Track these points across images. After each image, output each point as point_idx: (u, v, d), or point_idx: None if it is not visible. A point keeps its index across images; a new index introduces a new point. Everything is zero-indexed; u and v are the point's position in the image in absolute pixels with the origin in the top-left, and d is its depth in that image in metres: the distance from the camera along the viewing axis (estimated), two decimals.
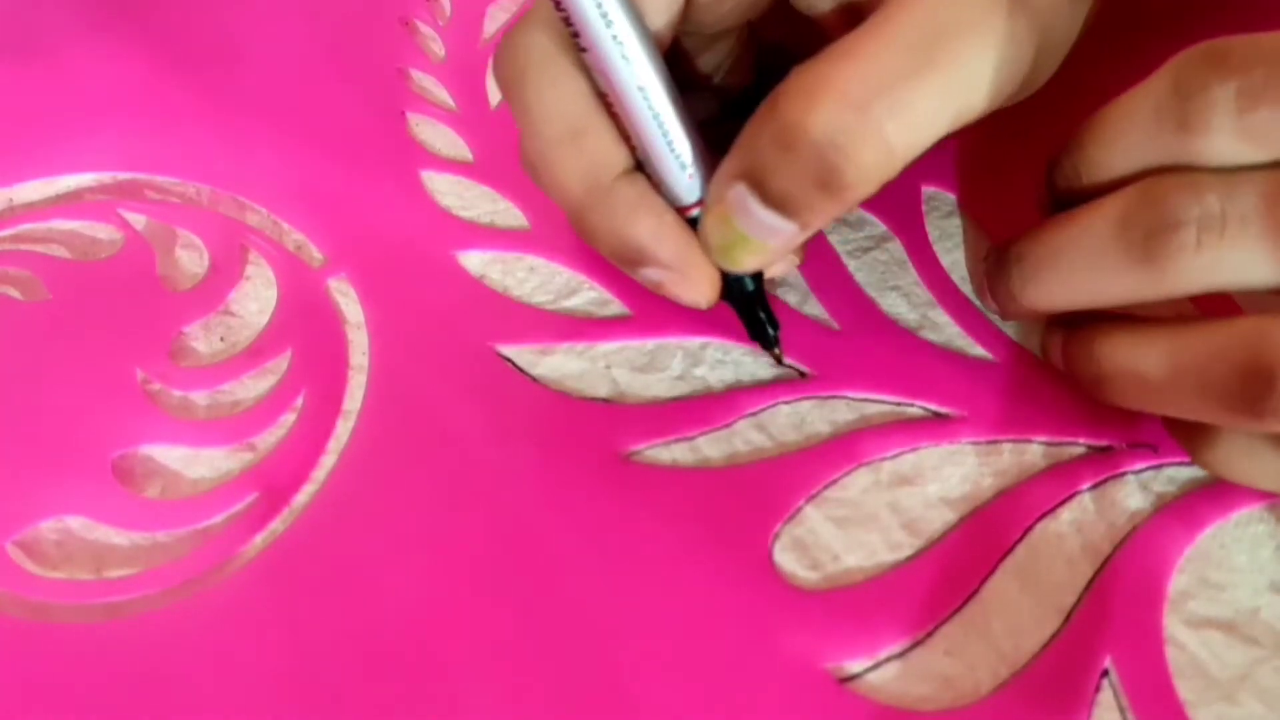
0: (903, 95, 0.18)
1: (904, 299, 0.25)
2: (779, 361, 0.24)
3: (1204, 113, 0.18)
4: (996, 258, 0.22)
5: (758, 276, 0.23)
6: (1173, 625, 0.20)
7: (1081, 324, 0.22)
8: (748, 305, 0.23)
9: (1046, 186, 0.22)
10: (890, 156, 0.18)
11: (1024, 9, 0.19)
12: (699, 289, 0.22)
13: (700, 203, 0.21)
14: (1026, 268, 0.21)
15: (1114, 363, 0.20)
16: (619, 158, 0.21)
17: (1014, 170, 0.25)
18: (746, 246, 0.21)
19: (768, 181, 0.19)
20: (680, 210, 0.21)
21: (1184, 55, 0.18)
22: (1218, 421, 0.19)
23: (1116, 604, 0.20)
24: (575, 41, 0.20)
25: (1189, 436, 0.21)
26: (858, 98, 0.18)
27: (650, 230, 0.21)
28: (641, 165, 0.21)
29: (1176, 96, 0.18)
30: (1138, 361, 0.20)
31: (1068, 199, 0.21)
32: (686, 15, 0.21)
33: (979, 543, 0.21)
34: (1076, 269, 0.20)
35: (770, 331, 0.23)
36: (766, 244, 0.20)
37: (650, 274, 0.22)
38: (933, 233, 0.27)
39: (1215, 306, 0.20)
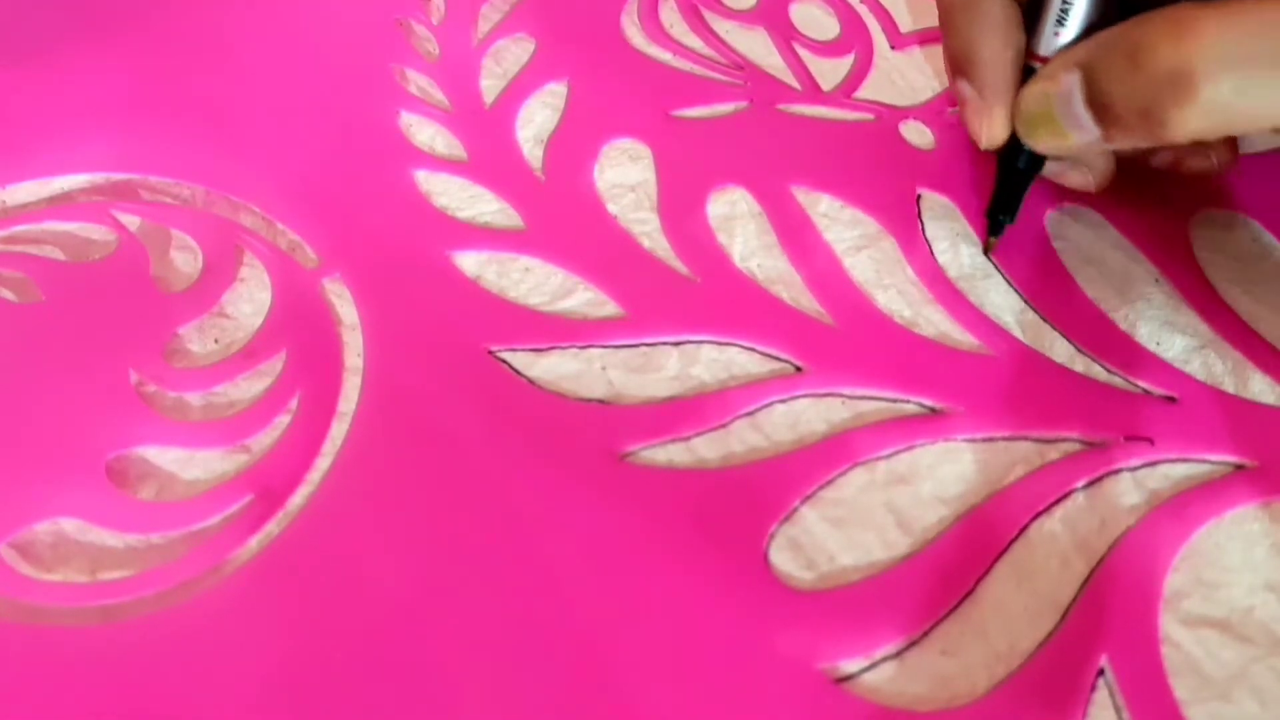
0: (1256, 78, 0.19)
1: (899, 296, 0.25)
2: (985, 250, 0.26)
3: None
4: None
5: (1039, 164, 0.25)
6: (1168, 624, 0.20)
7: None
8: (1011, 181, 0.25)
9: None
10: (1210, 121, 0.19)
11: None
12: (990, 127, 0.24)
13: (1045, 60, 0.23)
14: None
15: None
16: None
17: None
18: (1049, 126, 0.23)
19: (1100, 84, 0.21)
20: (1030, 55, 0.23)
21: None
22: None
23: (1112, 603, 0.20)
24: None
25: None
26: (1218, 59, 0.19)
27: (992, 53, 0.23)
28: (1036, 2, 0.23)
29: None
30: None
31: None
32: None
33: (974, 542, 0.21)
34: None
35: (1002, 218, 0.25)
36: (1067, 134, 0.22)
37: (965, 89, 0.24)
38: (927, 233, 0.27)
39: None
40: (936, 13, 0.26)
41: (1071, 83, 0.21)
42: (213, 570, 0.21)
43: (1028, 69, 0.24)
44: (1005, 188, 0.25)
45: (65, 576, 0.21)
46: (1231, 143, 0.25)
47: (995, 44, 0.23)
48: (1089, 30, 0.22)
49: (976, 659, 0.20)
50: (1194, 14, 0.19)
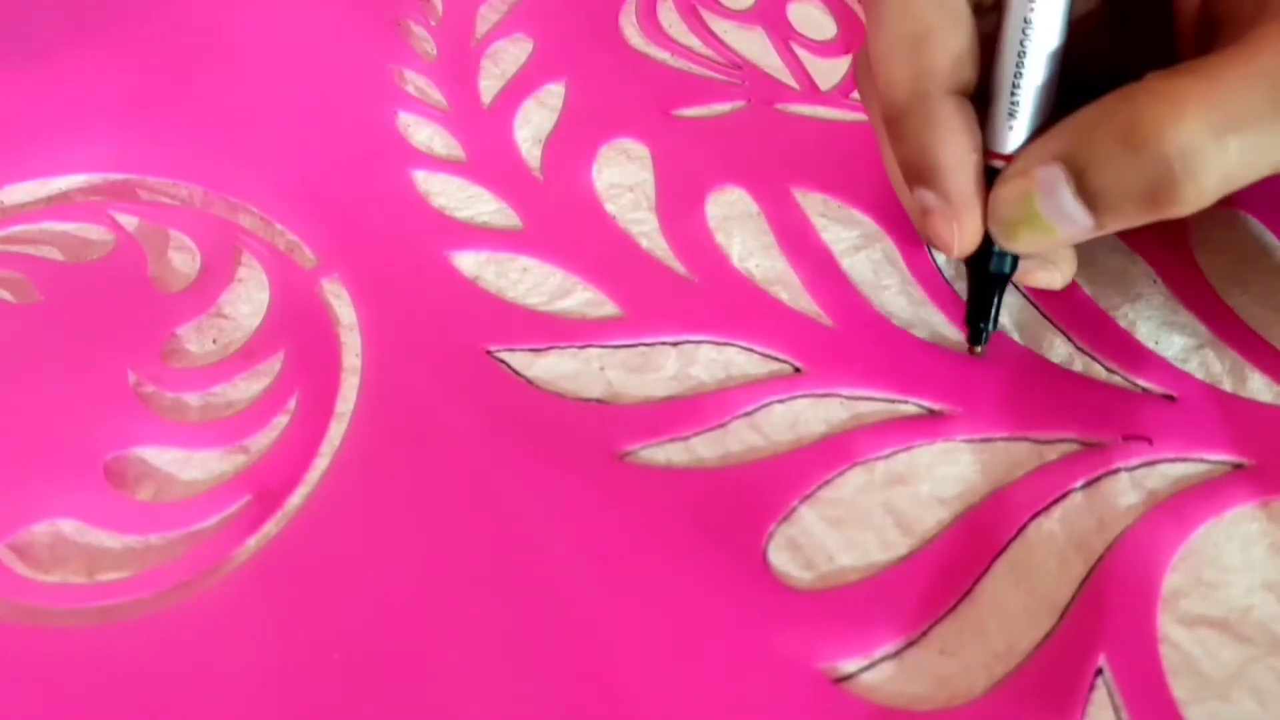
0: (1256, 134, 0.18)
1: (898, 296, 0.25)
2: (972, 354, 0.24)
3: None
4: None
5: (1014, 265, 0.23)
6: (1166, 624, 0.20)
7: None
8: (988, 286, 0.23)
9: None
10: (1223, 187, 0.19)
11: None
12: (962, 237, 0.22)
13: (1006, 157, 0.21)
14: None
15: None
16: (954, 75, 0.21)
17: None
18: (1034, 226, 0.21)
19: (1092, 173, 0.20)
20: (987, 154, 0.22)
21: None
22: None
23: (1110, 602, 0.20)
24: None
25: None
26: (1218, 124, 0.18)
27: (955, 158, 0.21)
28: (980, 95, 0.22)
29: None
30: None
31: None
32: None
33: (973, 541, 0.21)
34: None
35: (985, 326, 0.23)
36: (1055, 231, 0.21)
37: (927, 198, 0.22)
38: None
39: None
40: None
41: (1054, 176, 0.20)
42: (211, 571, 0.21)
43: (989, 170, 0.22)
44: (982, 295, 0.23)
45: (63, 577, 0.21)
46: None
47: (957, 147, 0.21)
48: (1044, 121, 0.21)
49: (975, 659, 0.20)
50: (1179, 86, 0.19)
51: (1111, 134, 0.19)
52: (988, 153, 0.22)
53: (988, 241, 0.22)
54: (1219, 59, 0.19)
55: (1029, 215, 0.21)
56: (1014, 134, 0.21)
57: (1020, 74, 0.21)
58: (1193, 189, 0.19)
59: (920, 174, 0.22)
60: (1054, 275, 0.24)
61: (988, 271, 0.23)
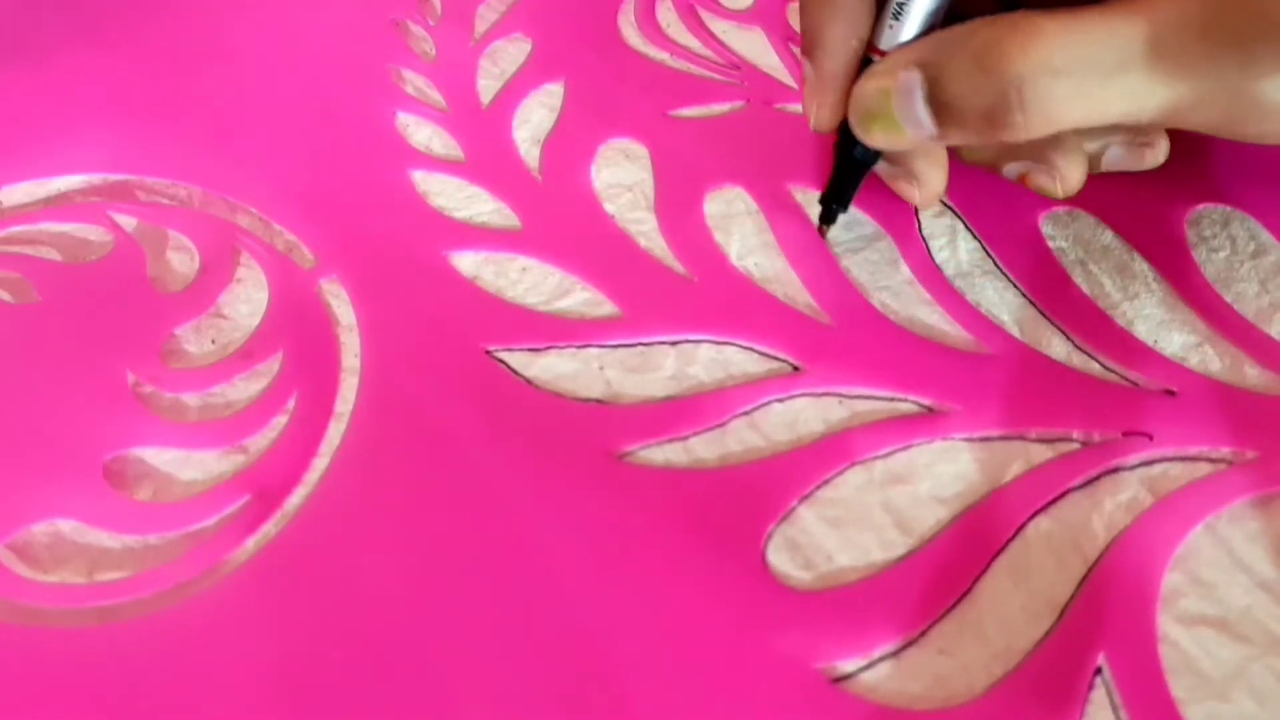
0: (1084, 81, 0.20)
1: (896, 294, 0.25)
2: (820, 234, 0.27)
3: None
4: None
5: (875, 156, 0.25)
6: (1165, 623, 0.20)
7: None
8: (847, 171, 0.25)
9: None
10: (1050, 124, 0.20)
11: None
12: (819, 112, 0.24)
13: (883, 53, 0.23)
14: None
15: None
16: None
17: None
18: (886, 124, 0.22)
19: (943, 84, 0.21)
20: (870, 47, 0.23)
21: None
22: None
23: (1109, 602, 0.20)
24: None
25: None
26: (1056, 65, 0.20)
27: (836, 37, 0.23)
28: None
29: None
30: None
31: None
32: None
33: (972, 541, 0.21)
34: None
35: (837, 208, 0.26)
36: (903, 131, 0.22)
37: (807, 69, 0.24)
38: (924, 230, 0.27)
39: None
40: None
41: (912, 80, 0.21)
42: (210, 571, 0.21)
43: (866, 60, 0.23)
44: (840, 176, 0.25)
45: (63, 578, 0.21)
46: (1080, 167, 0.25)
47: (840, 30, 0.23)
48: (928, 28, 0.22)
49: (974, 658, 0.20)
50: (1039, 24, 0.20)
51: (968, 53, 0.21)
52: (870, 46, 0.23)
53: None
54: (1089, 9, 0.20)
55: (884, 112, 0.22)
56: (895, 34, 0.22)
57: None
58: (1020, 119, 0.20)
59: (806, 46, 0.24)
60: (913, 191, 0.25)
61: (851, 158, 0.25)
